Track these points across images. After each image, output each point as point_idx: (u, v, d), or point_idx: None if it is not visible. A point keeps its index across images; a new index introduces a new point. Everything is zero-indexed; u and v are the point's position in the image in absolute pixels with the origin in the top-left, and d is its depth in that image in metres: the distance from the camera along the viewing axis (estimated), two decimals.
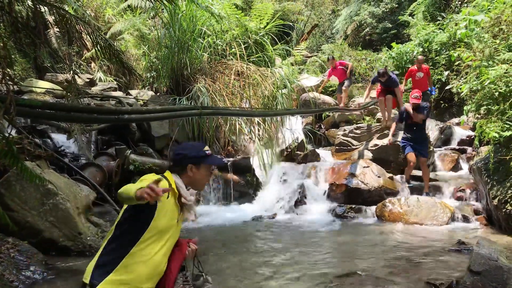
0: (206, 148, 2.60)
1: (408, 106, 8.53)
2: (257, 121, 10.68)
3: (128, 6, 14.87)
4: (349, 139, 11.02)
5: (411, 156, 8.59)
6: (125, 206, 2.39)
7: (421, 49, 13.34)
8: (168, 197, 2.40)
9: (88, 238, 5.95)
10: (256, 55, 11.82)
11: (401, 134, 9.32)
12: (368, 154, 9.91)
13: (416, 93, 8.45)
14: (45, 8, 6.61)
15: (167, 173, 2.53)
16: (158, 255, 2.40)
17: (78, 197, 6.29)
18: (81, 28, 6.28)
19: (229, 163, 9.59)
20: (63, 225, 5.84)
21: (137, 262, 2.33)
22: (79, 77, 10.89)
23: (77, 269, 5.27)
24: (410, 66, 13.63)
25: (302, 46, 18.39)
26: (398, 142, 9.45)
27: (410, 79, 11.51)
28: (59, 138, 8.83)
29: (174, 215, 2.47)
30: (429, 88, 11.14)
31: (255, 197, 9.42)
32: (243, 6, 16.11)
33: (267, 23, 12.81)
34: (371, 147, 10.04)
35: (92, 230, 6.20)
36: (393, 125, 9.44)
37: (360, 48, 18.84)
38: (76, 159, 8.54)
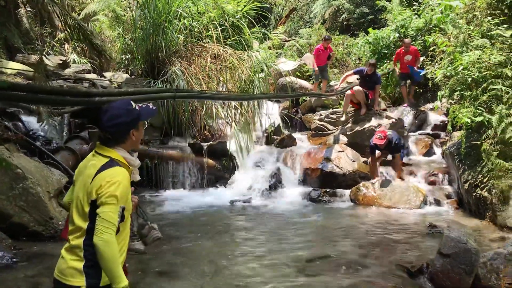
0: (133, 103, 2.46)
1: (377, 140, 8.13)
2: (234, 105, 10.60)
3: None
4: (325, 123, 11.05)
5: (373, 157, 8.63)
6: (86, 199, 2.28)
7: (397, 35, 13.39)
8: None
9: (60, 222, 5.85)
10: (233, 38, 11.68)
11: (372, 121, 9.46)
12: (343, 139, 9.97)
13: (380, 133, 8.21)
14: None
15: (109, 152, 2.37)
16: (128, 229, 2.42)
17: (49, 181, 6.17)
18: (53, 8, 6.10)
19: (205, 147, 9.53)
20: (33, 209, 5.74)
21: (121, 250, 2.33)
22: (47, 58, 10.57)
23: (48, 254, 5.20)
24: (386, 51, 13.73)
25: (280, 30, 18.25)
26: (372, 127, 9.54)
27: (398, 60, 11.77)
28: (31, 121, 8.63)
29: (130, 188, 2.42)
30: (417, 70, 11.29)
31: (231, 181, 9.39)
32: None
33: (245, 6, 12.66)
34: (347, 132, 10.10)
35: (64, 214, 6.08)
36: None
37: (338, 33, 18.81)
38: (48, 143, 8.37)
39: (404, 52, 11.40)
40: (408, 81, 11.96)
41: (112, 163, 2.30)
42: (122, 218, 2.30)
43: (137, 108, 2.44)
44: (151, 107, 2.55)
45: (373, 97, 10.30)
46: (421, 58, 11.80)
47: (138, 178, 2.59)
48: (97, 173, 2.26)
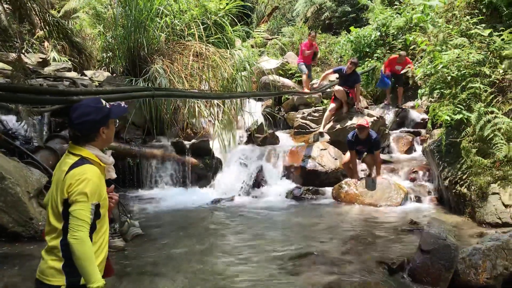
0: (103, 101, 2.48)
1: (362, 121, 8.25)
2: (217, 103, 10.58)
3: None
4: (307, 122, 11.10)
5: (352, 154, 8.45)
6: (59, 199, 2.29)
7: (378, 33, 13.53)
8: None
9: (40, 223, 5.75)
10: (216, 36, 11.65)
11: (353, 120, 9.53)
12: (325, 137, 10.02)
13: (362, 120, 8.37)
14: None
15: (79, 150, 2.37)
16: (106, 226, 2.44)
17: (29, 181, 6.08)
18: (31, 6, 6.02)
19: (188, 146, 9.49)
20: (12, 210, 5.64)
21: (100, 247, 2.37)
22: (26, 56, 10.39)
23: (29, 255, 5.12)
24: (368, 49, 13.84)
25: (263, 28, 18.24)
26: (354, 125, 9.61)
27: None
28: (10, 120, 8.48)
29: (104, 185, 2.44)
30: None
31: (214, 180, 9.37)
32: None
33: (227, 4, 12.63)
34: (329, 129, 10.15)
35: (44, 214, 5.97)
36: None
37: (320, 32, 18.91)
38: (28, 142, 8.24)
39: (396, 62, 11.48)
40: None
41: (82, 161, 2.32)
42: (97, 215, 2.32)
43: (107, 106, 2.45)
44: (122, 105, 2.56)
45: (354, 95, 10.34)
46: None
47: (114, 175, 2.60)
48: (68, 172, 2.28)
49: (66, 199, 2.25)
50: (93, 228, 2.31)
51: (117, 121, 2.59)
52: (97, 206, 2.30)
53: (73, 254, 2.20)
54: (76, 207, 2.21)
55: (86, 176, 2.25)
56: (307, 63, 12.37)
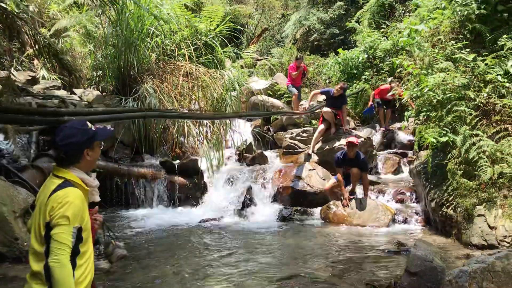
0: (89, 123, 2.50)
1: (352, 139, 8.32)
2: (206, 123, 10.63)
3: (74, 2, 14.41)
4: (296, 142, 11.17)
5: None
6: (42, 222, 2.29)
7: (366, 56, 13.75)
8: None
9: (25, 243, 5.68)
10: (206, 57, 11.78)
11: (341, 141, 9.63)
12: (314, 157, 10.09)
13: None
14: None
15: (63, 173, 2.39)
16: (90, 250, 2.44)
17: (15, 201, 6.01)
18: (21, 25, 6.04)
19: (176, 165, 9.49)
20: None
21: (85, 271, 2.36)
22: (13, 75, 10.37)
23: (13, 276, 5.05)
24: (355, 71, 14.05)
25: (252, 49, 18.46)
26: (342, 146, 9.70)
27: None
28: None
29: (87, 208, 2.44)
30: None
31: (202, 199, 9.35)
32: (193, 7, 15.99)
33: (217, 25, 12.79)
34: (317, 150, 10.23)
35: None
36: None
37: (309, 53, 19.17)
38: (15, 161, 8.16)
39: (387, 93, 11.77)
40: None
41: (65, 184, 2.33)
42: (79, 239, 2.31)
43: (93, 128, 2.48)
44: (108, 128, 2.59)
45: (341, 116, 10.45)
46: (389, 79, 12.17)
47: (98, 199, 2.61)
48: (50, 194, 2.28)
49: (48, 222, 2.24)
50: (76, 253, 2.30)
51: (102, 143, 2.61)
52: (79, 230, 2.29)
53: (51, 277, 2.18)
54: (58, 231, 2.21)
55: (69, 200, 2.25)
56: (296, 85, 12.45)
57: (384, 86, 12.09)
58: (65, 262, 2.19)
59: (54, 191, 2.28)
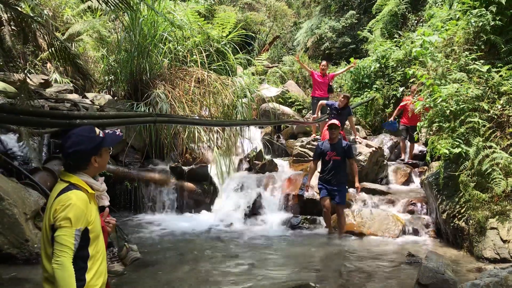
0: (97, 129, 2.51)
1: (325, 135, 7.77)
2: (216, 129, 10.64)
3: (88, 7, 14.54)
4: (306, 150, 11.12)
5: (325, 201, 7.80)
6: (48, 224, 2.33)
7: (378, 65, 13.70)
8: (90, 203, 2.41)
9: (36, 245, 5.72)
10: (217, 63, 11.79)
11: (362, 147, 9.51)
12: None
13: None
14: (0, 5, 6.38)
15: (69, 177, 2.42)
16: (102, 251, 2.47)
17: (26, 203, 6.06)
18: (37, 28, 6.10)
19: (186, 171, 9.49)
20: (8, 231, 5.61)
21: (97, 273, 2.39)
22: (29, 78, 10.48)
23: (22, 278, 5.07)
24: (367, 80, 13.99)
25: (264, 56, 18.49)
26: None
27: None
28: (9, 140, 8.49)
29: (97, 212, 2.48)
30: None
31: (212, 206, 9.34)
32: (206, 14, 16.07)
33: (230, 32, 12.82)
34: None
35: (40, 237, 5.96)
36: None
37: (320, 61, 19.13)
38: (26, 163, 8.22)
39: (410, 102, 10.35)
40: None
41: (69, 187, 2.36)
42: (86, 240, 2.34)
43: (101, 135, 2.49)
44: (117, 133, 2.59)
45: (351, 126, 10.28)
46: (401, 89, 12.01)
47: (107, 203, 2.63)
48: (56, 198, 2.33)
49: (52, 224, 2.28)
50: (86, 256, 2.33)
51: (112, 148, 2.62)
52: (84, 232, 2.32)
53: (54, 279, 2.21)
54: (60, 233, 2.24)
55: (71, 202, 2.28)
56: (324, 96, 11.47)
57: (407, 102, 10.66)
58: (67, 264, 2.21)
59: (59, 194, 2.33)
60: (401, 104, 11.13)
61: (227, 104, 10.73)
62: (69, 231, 2.24)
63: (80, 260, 2.31)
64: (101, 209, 2.57)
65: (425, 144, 10.02)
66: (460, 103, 7.18)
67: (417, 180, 10.05)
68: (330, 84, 11.84)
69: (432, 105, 7.62)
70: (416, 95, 10.19)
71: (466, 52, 7.94)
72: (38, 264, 5.32)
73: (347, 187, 8.34)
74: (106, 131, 2.56)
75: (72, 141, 2.43)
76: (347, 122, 10.28)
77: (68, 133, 2.48)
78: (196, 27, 12.21)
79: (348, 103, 10.10)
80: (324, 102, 10.76)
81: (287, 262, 6.45)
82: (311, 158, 10.70)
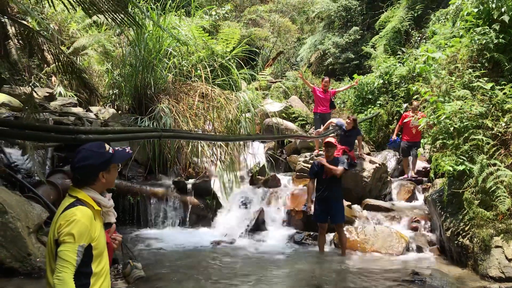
0: (106, 145, 2.53)
1: (322, 160, 7.68)
2: (220, 144, 10.65)
3: (94, 22, 14.68)
4: (309, 165, 11.10)
5: (321, 225, 7.66)
6: (52, 239, 2.33)
7: (381, 81, 13.73)
8: (95, 219, 2.41)
9: (38, 259, 5.71)
10: (221, 78, 11.86)
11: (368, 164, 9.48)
12: None
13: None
14: (7, 20, 6.46)
15: (77, 192, 2.43)
16: (105, 268, 2.46)
17: (29, 216, 6.06)
18: (43, 42, 6.16)
19: (189, 185, 9.48)
20: (11, 245, 5.60)
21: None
22: (34, 91, 10.58)
23: None
24: (370, 96, 14.02)
25: (267, 71, 18.61)
26: (357, 171, 9.64)
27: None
28: (13, 153, 8.51)
29: (102, 229, 2.48)
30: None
31: (214, 221, 9.31)
32: (211, 29, 16.21)
33: (234, 48, 12.91)
34: None
35: (43, 251, 5.95)
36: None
37: (323, 77, 19.19)
38: (30, 176, 8.24)
39: (411, 116, 10.44)
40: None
41: (75, 203, 2.37)
42: (89, 257, 2.34)
43: (110, 151, 2.51)
44: (127, 150, 2.61)
45: (358, 143, 10.24)
46: (404, 105, 12.00)
47: (113, 220, 2.63)
48: (62, 213, 2.34)
49: (56, 239, 2.29)
50: (89, 273, 2.33)
51: (120, 165, 2.64)
52: (88, 248, 2.32)
53: None
54: (62, 248, 2.24)
55: (75, 218, 2.29)
56: (326, 112, 11.61)
57: (409, 119, 10.49)
58: (67, 280, 2.20)
59: (65, 209, 2.33)
60: (402, 120, 11.04)
61: (231, 119, 10.76)
62: (72, 247, 2.24)
63: (83, 276, 2.31)
64: (107, 225, 2.57)
65: (429, 161, 9.98)
66: (464, 120, 7.17)
67: (420, 197, 10.01)
68: (332, 100, 11.83)
69: (436, 122, 7.62)
70: (416, 111, 10.25)
71: (469, 70, 7.96)
72: (40, 278, 5.31)
73: (350, 203, 8.27)
74: (116, 148, 2.58)
75: (81, 156, 2.45)
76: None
77: (78, 148, 2.51)
78: (201, 42, 12.31)
79: (356, 126, 10.00)
80: (334, 121, 10.71)
81: (290, 279, 6.40)
82: None
